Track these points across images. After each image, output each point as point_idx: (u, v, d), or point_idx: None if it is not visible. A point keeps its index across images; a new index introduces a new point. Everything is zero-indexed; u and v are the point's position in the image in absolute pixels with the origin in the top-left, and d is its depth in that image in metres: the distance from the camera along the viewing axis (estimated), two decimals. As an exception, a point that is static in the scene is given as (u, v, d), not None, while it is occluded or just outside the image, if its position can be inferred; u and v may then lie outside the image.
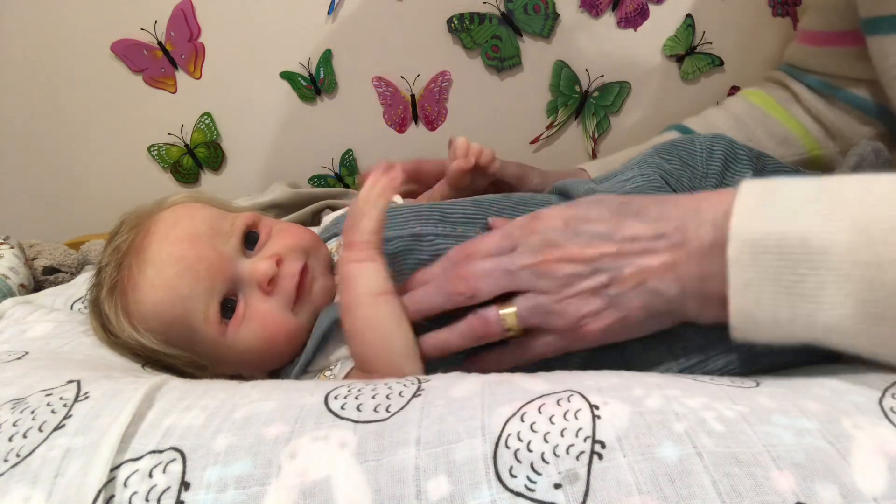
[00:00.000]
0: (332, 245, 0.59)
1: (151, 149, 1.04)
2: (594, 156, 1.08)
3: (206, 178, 1.07)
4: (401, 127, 1.05)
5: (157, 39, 0.97)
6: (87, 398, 0.35)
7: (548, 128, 1.06)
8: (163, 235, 0.50)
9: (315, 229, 0.68)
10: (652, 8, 0.99)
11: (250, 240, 0.54)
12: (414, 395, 0.34)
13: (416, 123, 1.05)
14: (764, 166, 0.58)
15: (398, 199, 0.65)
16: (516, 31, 0.99)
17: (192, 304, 0.49)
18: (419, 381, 0.36)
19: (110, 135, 1.03)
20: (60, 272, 0.80)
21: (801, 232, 0.34)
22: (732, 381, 0.36)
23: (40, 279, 0.78)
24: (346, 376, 0.48)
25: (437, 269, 0.47)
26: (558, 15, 0.98)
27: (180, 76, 1.00)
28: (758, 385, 0.35)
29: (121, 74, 0.99)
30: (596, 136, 1.06)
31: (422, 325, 0.47)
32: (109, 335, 0.49)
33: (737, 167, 0.57)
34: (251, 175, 1.07)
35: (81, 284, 0.65)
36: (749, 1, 1.00)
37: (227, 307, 0.50)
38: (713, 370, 0.44)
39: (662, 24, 1.00)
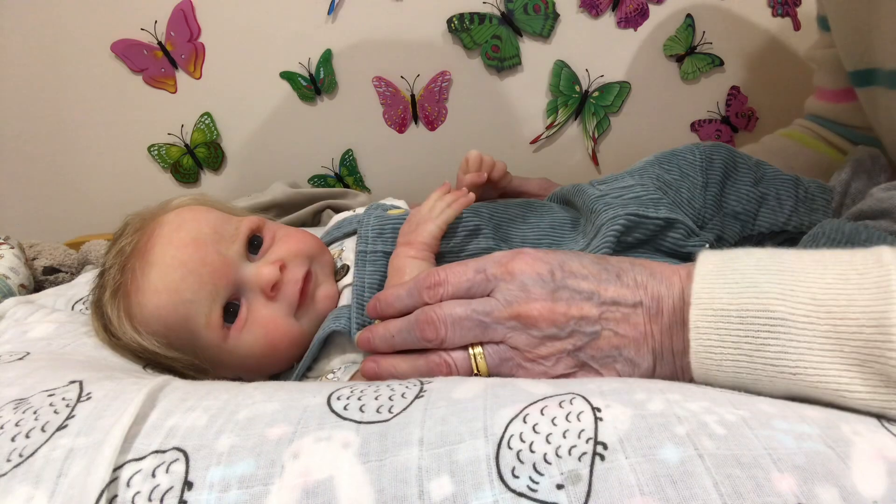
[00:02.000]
0: (334, 250, 0.59)
1: (151, 149, 1.04)
2: (594, 155, 1.08)
3: (206, 178, 1.07)
4: (401, 127, 1.05)
5: (157, 39, 0.97)
6: (89, 398, 0.35)
7: (548, 128, 1.06)
8: (167, 238, 0.50)
9: (316, 229, 0.68)
10: (652, 8, 0.99)
11: (254, 244, 0.54)
12: (416, 397, 0.34)
13: (416, 123, 1.05)
14: (763, 175, 0.59)
15: (403, 205, 0.65)
16: (516, 31, 0.99)
17: (194, 308, 0.49)
18: (421, 383, 0.36)
19: (110, 135, 1.03)
20: (60, 272, 0.80)
21: (762, 302, 0.34)
22: None
23: (40, 279, 0.78)
24: (351, 379, 0.48)
25: (404, 292, 0.44)
26: (558, 15, 0.98)
27: (180, 76, 1.00)
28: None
29: (121, 74, 0.99)
30: (596, 135, 1.06)
31: None
32: (111, 337, 0.49)
33: (737, 176, 0.58)
34: (251, 175, 1.07)
35: (83, 285, 0.65)
36: (749, 1, 1.01)
37: (230, 311, 0.50)
38: None
39: (662, 24, 1.00)
